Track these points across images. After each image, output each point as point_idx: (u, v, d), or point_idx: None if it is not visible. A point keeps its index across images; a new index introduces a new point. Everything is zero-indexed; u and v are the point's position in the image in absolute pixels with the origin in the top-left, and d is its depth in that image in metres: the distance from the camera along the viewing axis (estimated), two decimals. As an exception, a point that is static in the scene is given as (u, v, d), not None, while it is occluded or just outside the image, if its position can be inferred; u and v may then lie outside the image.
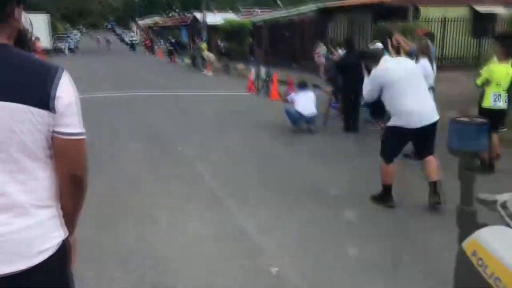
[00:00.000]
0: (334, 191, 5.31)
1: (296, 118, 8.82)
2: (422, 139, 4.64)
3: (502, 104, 5.99)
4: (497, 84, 5.96)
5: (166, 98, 13.78)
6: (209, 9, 32.07)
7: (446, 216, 4.23)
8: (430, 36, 7.19)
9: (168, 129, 9.13)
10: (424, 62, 6.55)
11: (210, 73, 22.02)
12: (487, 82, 6.01)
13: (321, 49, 18.85)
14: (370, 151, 7.03)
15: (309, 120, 8.79)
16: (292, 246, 4.02)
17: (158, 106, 12.16)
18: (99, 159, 6.27)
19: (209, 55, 23.00)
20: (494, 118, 5.72)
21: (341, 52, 16.27)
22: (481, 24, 17.51)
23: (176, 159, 6.86)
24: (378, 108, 9.28)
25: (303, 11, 26.43)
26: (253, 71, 15.14)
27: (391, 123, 4.66)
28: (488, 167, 5.91)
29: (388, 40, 8.62)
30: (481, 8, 18.52)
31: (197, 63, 23.75)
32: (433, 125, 4.58)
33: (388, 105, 4.73)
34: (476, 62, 10.58)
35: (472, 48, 17.42)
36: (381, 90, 4.71)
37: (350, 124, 8.79)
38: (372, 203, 4.86)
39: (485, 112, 5.74)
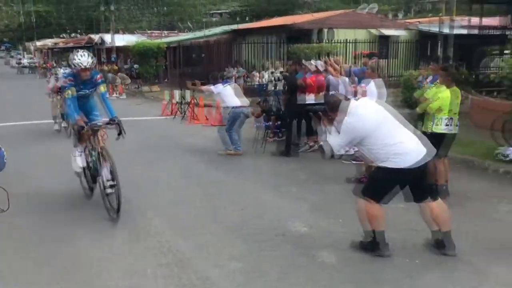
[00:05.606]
0: (303, 228, 4.84)
1: (236, 118, 8.18)
2: (422, 177, 4.02)
3: (453, 128, 5.89)
4: (449, 110, 5.84)
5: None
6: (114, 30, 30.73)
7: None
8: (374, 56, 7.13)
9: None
10: (378, 81, 6.43)
11: (123, 96, 20.88)
12: (438, 110, 5.85)
13: (234, 71, 19.03)
14: (328, 177, 6.69)
15: (248, 114, 8.45)
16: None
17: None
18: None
19: (123, 76, 22.02)
20: (441, 142, 5.61)
21: (265, 74, 16.26)
22: (385, 44, 20.30)
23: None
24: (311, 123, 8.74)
25: (216, 32, 26.38)
26: (176, 94, 14.47)
27: (386, 165, 3.89)
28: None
29: (328, 60, 8.56)
30: (386, 31, 21.47)
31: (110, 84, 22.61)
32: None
33: (370, 152, 3.98)
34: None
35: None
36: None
37: (290, 149, 8.46)
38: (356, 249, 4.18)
39: (436, 136, 5.60)
